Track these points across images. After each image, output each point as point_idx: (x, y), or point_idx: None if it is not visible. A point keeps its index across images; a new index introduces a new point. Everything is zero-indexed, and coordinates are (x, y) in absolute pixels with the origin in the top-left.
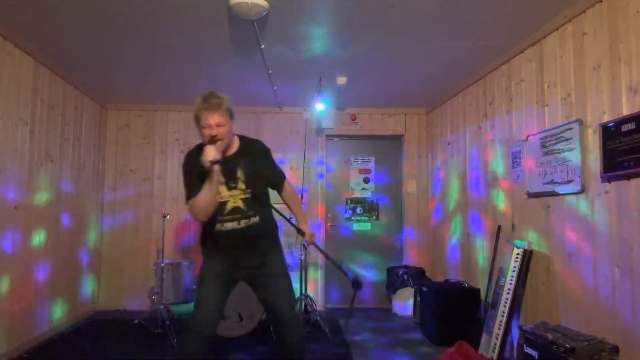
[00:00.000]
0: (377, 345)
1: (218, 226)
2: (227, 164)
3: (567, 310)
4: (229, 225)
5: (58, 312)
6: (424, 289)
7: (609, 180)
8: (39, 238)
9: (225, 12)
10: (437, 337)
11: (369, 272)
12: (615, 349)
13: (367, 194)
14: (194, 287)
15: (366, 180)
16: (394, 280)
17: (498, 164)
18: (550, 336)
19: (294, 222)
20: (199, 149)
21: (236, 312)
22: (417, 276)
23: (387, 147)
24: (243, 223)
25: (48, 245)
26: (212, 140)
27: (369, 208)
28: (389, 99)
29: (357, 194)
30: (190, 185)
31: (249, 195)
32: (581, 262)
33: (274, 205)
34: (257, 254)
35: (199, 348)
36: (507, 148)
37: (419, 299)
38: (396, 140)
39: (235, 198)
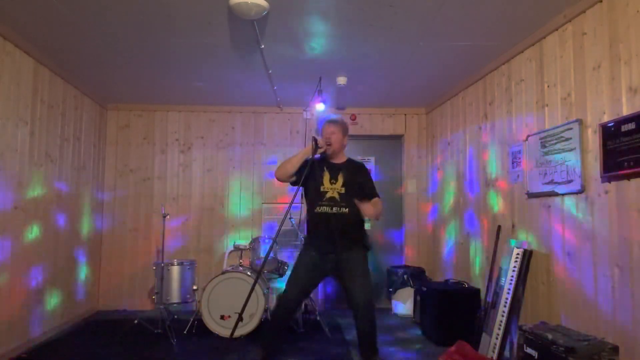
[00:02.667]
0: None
1: (317, 208)
2: (334, 167)
3: (567, 310)
4: (324, 209)
5: (58, 312)
6: (424, 289)
7: (609, 180)
8: (38, 238)
9: (225, 12)
10: (437, 337)
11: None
12: (615, 349)
13: None
14: (194, 287)
15: None
16: (394, 280)
17: (498, 164)
18: (550, 336)
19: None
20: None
21: (236, 312)
22: (417, 276)
23: (387, 147)
24: (335, 210)
25: (48, 245)
26: (327, 141)
27: None
28: (389, 99)
29: None
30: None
31: (343, 192)
32: (581, 262)
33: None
34: (341, 238)
35: (283, 316)
36: (507, 148)
37: (419, 299)
38: (396, 140)
39: (333, 191)
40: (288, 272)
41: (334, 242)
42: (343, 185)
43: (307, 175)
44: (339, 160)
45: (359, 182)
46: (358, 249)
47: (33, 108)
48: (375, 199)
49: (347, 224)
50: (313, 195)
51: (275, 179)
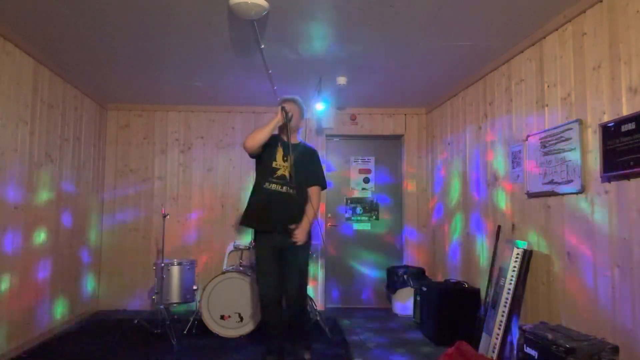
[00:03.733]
0: (377, 345)
1: (267, 184)
2: (287, 146)
3: (567, 310)
4: (274, 186)
5: (58, 312)
6: (424, 289)
7: (609, 180)
8: (39, 238)
9: (225, 12)
10: (437, 337)
11: (369, 271)
12: (615, 349)
13: (367, 194)
14: (194, 287)
15: (366, 180)
16: (394, 280)
17: (498, 164)
18: (550, 336)
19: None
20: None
21: (236, 312)
22: (417, 276)
23: (387, 147)
24: (284, 189)
25: (48, 245)
26: (286, 109)
27: (369, 208)
28: (389, 99)
29: (357, 194)
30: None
31: (294, 173)
32: (581, 262)
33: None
34: (288, 217)
35: (272, 313)
36: (507, 148)
37: (419, 299)
38: (396, 140)
39: (284, 169)
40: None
41: (280, 222)
42: (295, 165)
43: (263, 147)
44: (294, 140)
45: (309, 166)
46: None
47: (33, 108)
48: (317, 191)
49: (294, 207)
50: (263, 170)
51: (244, 147)
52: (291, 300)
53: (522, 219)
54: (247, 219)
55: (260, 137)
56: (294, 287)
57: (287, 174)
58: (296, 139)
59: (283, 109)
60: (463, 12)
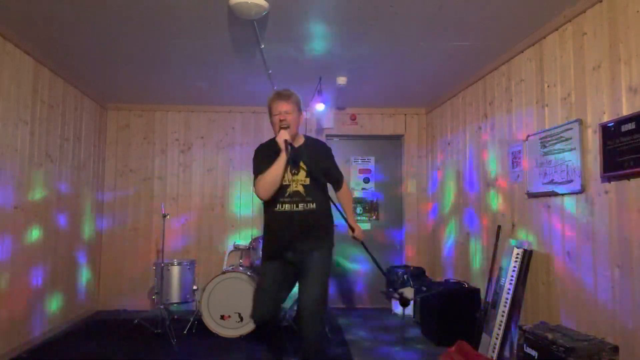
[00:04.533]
0: (377, 345)
1: (278, 207)
2: (292, 155)
3: (567, 310)
4: (287, 207)
5: (58, 312)
6: (424, 288)
7: (609, 180)
8: (39, 238)
9: (225, 12)
10: (437, 336)
11: (369, 271)
12: (615, 349)
13: (367, 194)
14: (194, 287)
15: (366, 180)
16: (394, 280)
17: (498, 164)
18: (550, 336)
19: (347, 218)
20: (268, 142)
21: (236, 312)
22: (417, 276)
23: (387, 147)
24: (301, 207)
25: (48, 245)
26: (283, 124)
27: (369, 208)
28: (389, 99)
29: (357, 194)
30: (260, 166)
31: (308, 183)
32: (581, 262)
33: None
34: (308, 239)
35: (266, 330)
36: (507, 148)
37: (419, 298)
38: (396, 140)
39: (296, 183)
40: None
41: (298, 245)
42: (308, 175)
43: (266, 164)
44: (297, 143)
45: (323, 168)
46: (324, 248)
47: (33, 108)
48: (346, 189)
49: (316, 222)
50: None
51: (260, 197)
52: (306, 315)
53: (522, 219)
54: (267, 252)
55: (274, 182)
56: (310, 299)
57: (300, 188)
58: (300, 137)
59: (286, 142)
60: (463, 12)
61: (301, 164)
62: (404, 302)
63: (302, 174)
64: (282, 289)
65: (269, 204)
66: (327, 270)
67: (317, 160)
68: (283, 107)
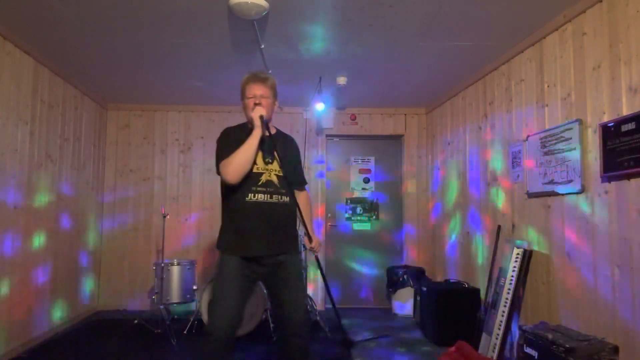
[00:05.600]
0: (377, 345)
1: (250, 196)
2: (265, 141)
3: (567, 310)
4: (260, 197)
5: (58, 312)
6: (424, 289)
7: (609, 180)
8: (39, 238)
9: (225, 12)
10: (437, 337)
11: (369, 271)
12: (615, 349)
13: (367, 194)
14: (194, 287)
15: (366, 180)
16: (394, 280)
17: (498, 164)
18: (550, 336)
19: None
20: (240, 125)
21: None
22: (417, 276)
23: (387, 147)
24: (275, 198)
25: (48, 245)
26: (258, 105)
27: (369, 208)
28: (389, 99)
29: (357, 194)
30: (226, 148)
31: (282, 175)
32: (581, 262)
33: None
34: (279, 235)
35: (216, 353)
36: (507, 148)
37: (419, 299)
38: (396, 140)
39: (270, 172)
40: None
41: (273, 243)
42: (280, 167)
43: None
44: (270, 130)
45: (293, 163)
46: (296, 249)
47: (33, 108)
48: (307, 194)
49: (289, 218)
50: (242, 179)
51: (229, 180)
52: (297, 327)
53: (522, 218)
54: (230, 246)
55: (247, 160)
56: (300, 309)
57: (274, 178)
58: (272, 128)
59: (262, 118)
60: (463, 12)
61: (275, 152)
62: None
63: (275, 164)
64: (245, 299)
65: (236, 192)
66: (302, 275)
67: (288, 153)
68: (259, 90)
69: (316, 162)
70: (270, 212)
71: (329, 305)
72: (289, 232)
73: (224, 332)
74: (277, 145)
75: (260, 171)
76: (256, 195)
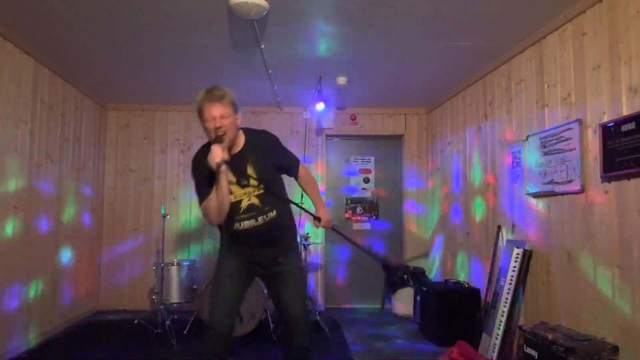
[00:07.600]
0: (378, 345)
1: (236, 225)
2: (236, 162)
3: (567, 310)
4: (247, 224)
5: (58, 312)
6: (424, 289)
7: (609, 180)
8: (38, 238)
9: (225, 12)
10: (437, 337)
11: (369, 271)
12: (615, 349)
13: (367, 194)
14: (194, 286)
15: (366, 180)
16: (394, 280)
17: (498, 164)
18: (550, 336)
19: (310, 210)
20: (205, 149)
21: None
22: (417, 276)
23: (387, 147)
24: (260, 220)
25: (48, 244)
26: (218, 138)
27: (369, 208)
28: (389, 99)
29: (357, 194)
30: (201, 188)
31: (262, 191)
32: (581, 262)
33: (291, 199)
34: (275, 249)
35: (217, 348)
36: (507, 148)
37: (419, 299)
38: (396, 140)
39: (249, 195)
40: None
41: (269, 256)
42: (259, 183)
43: (210, 185)
44: (237, 146)
45: (274, 163)
46: (293, 252)
47: (33, 108)
48: (306, 173)
49: (280, 229)
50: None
51: (214, 224)
52: (299, 326)
53: (522, 219)
54: (229, 246)
55: (223, 207)
56: (300, 309)
57: (254, 200)
58: (240, 136)
59: (219, 165)
60: (463, 12)
61: (249, 170)
62: (386, 266)
63: (252, 183)
64: (243, 292)
65: (225, 224)
66: (303, 272)
67: (264, 158)
68: (217, 110)
69: (316, 162)
70: (259, 234)
71: (330, 305)
72: (285, 242)
73: (223, 327)
74: (250, 160)
75: (239, 198)
76: (242, 223)
